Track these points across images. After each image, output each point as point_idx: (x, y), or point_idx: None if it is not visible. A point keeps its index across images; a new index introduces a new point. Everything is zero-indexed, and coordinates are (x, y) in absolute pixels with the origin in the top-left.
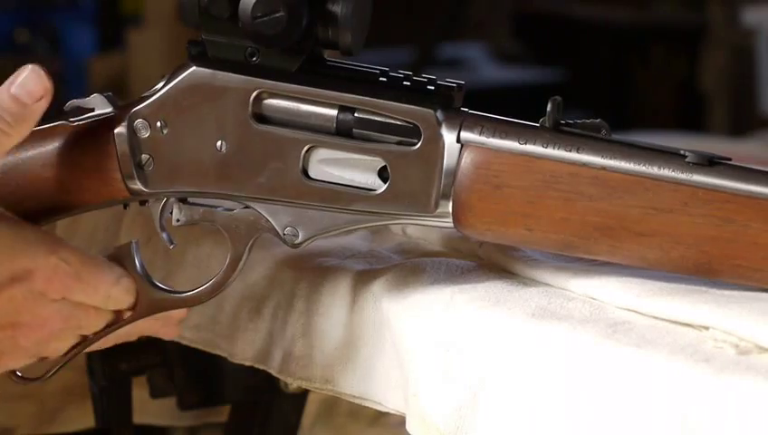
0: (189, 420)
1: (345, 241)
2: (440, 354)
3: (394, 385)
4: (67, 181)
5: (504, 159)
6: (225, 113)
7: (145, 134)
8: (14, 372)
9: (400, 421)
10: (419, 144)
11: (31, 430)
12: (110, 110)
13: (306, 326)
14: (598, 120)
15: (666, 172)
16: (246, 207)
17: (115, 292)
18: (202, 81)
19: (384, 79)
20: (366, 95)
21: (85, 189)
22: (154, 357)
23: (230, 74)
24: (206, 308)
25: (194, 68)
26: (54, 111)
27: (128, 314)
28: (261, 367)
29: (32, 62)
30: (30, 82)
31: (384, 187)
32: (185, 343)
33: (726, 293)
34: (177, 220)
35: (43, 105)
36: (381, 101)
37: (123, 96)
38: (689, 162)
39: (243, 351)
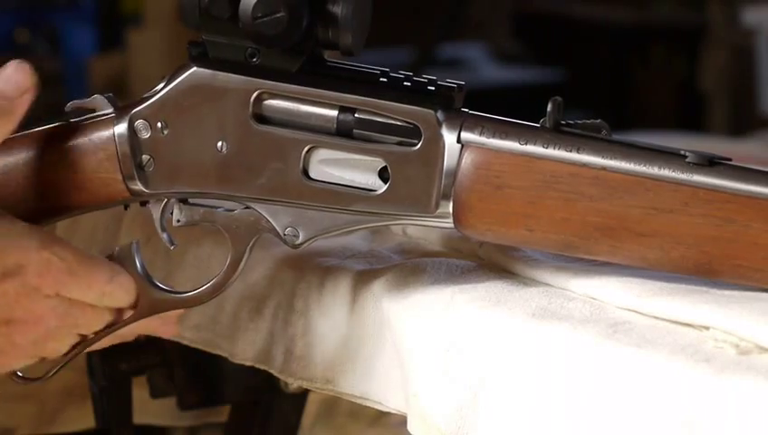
0: (189, 420)
1: (345, 241)
2: (441, 354)
3: (394, 385)
4: (68, 182)
5: (504, 159)
6: (225, 114)
7: (145, 135)
8: (14, 372)
9: (401, 421)
10: (420, 145)
11: (31, 431)
12: (110, 110)
13: (306, 326)
14: (598, 121)
15: (666, 172)
16: (247, 207)
17: (110, 289)
18: (202, 81)
19: (384, 79)
20: (366, 96)
21: (86, 190)
22: (154, 357)
23: (230, 75)
24: (207, 308)
25: (194, 69)
26: (55, 112)
27: (128, 314)
28: (261, 367)
29: (32, 62)
30: (15, 76)
31: (384, 187)
32: (185, 342)
33: (727, 293)
34: (178, 221)
35: (27, 99)
36: (382, 101)
37: (123, 96)
38: (690, 162)
39: (243, 351)
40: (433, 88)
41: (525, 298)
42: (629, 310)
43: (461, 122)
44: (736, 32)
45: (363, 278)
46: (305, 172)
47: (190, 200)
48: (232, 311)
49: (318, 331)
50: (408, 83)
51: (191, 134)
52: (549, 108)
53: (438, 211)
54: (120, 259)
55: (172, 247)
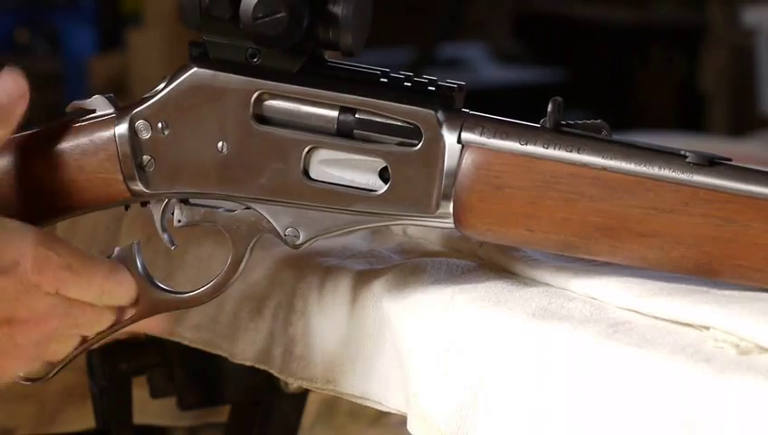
0: (189, 420)
1: (346, 241)
2: (441, 354)
3: (394, 385)
4: (68, 182)
5: (504, 159)
6: (226, 114)
7: (146, 135)
8: None
9: (401, 421)
10: (420, 145)
11: (31, 431)
12: (111, 111)
13: (307, 326)
14: (598, 121)
15: (666, 173)
16: (247, 207)
17: (109, 285)
18: (203, 82)
19: (385, 80)
20: (367, 96)
21: (86, 190)
22: (154, 357)
23: (231, 75)
24: (207, 308)
25: (195, 69)
26: (55, 112)
27: (129, 314)
28: (261, 367)
29: (32, 62)
30: (6, 84)
31: (385, 187)
32: (185, 343)
33: (727, 293)
34: (179, 221)
35: (22, 105)
36: (382, 101)
37: (123, 96)
38: (690, 162)
39: (243, 351)
40: (433, 88)
41: (525, 298)
42: (630, 310)
43: (461, 123)
44: (736, 32)
45: (363, 278)
46: (306, 173)
47: (191, 201)
48: (232, 311)
49: (318, 331)
50: (409, 84)
51: (192, 134)
52: (549, 108)
53: (439, 211)
54: (120, 259)
55: (173, 248)
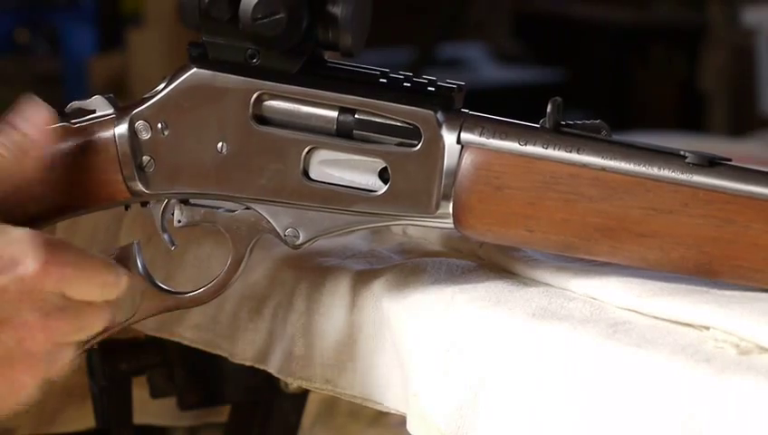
0: (189, 420)
1: (345, 241)
2: (441, 354)
3: (394, 385)
4: (68, 183)
5: (504, 160)
6: (225, 115)
7: (146, 136)
8: None
9: (401, 421)
10: (420, 145)
11: (31, 431)
12: (110, 111)
13: (306, 326)
14: (598, 121)
15: (666, 173)
16: (247, 208)
17: (112, 280)
18: (203, 82)
19: (384, 80)
20: (366, 96)
21: (86, 191)
22: (154, 357)
23: (231, 76)
24: (207, 308)
25: (194, 70)
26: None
27: (130, 314)
28: (261, 367)
29: (32, 62)
30: (31, 114)
31: (385, 188)
32: (185, 343)
33: (727, 293)
34: (179, 221)
35: (46, 132)
36: (382, 102)
37: (123, 96)
38: (689, 163)
39: (243, 351)
40: (433, 88)
41: (525, 298)
42: (630, 310)
43: (461, 123)
44: (736, 32)
45: (363, 278)
46: (305, 173)
47: (191, 201)
48: (232, 311)
49: (318, 331)
50: (408, 84)
51: (191, 135)
52: (549, 108)
53: (439, 212)
54: (121, 260)
55: (173, 248)
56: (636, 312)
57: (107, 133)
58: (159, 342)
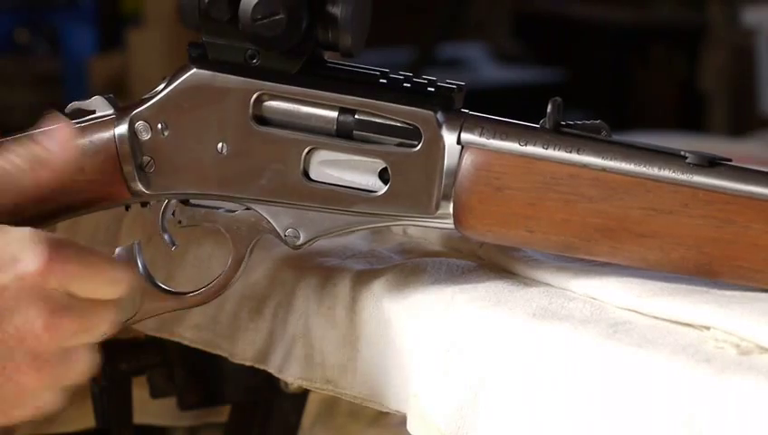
0: (189, 420)
1: (346, 241)
2: (441, 354)
3: (395, 385)
4: (68, 183)
5: (504, 160)
6: (225, 115)
7: (146, 136)
8: None
9: (401, 421)
10: (420, 146)
11: (31, 430)
12: (110, 112)
13: (307, 326)
14: (598, 121)
15: (666, 173)
16: (248, 208)
17: (117, 274)
18: (202, 83)
19: (384, 80)
20: (366, 97)
21: (87, 191)
22: (154, 357)
23: (230, 76)
24: (207, 308)
25: (194, 70)
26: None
27: (130, 314)
28: (261, 367)
29: (32, 62)
30: (57, 133)
31: (385, 188)
32: (185, 343)
33: (727, 293)
34: (179, 222)
35: (68, 153)
36: (382, 102)
37: (123, 96)
38: (690, 163)
39: (243, 351)
40: (433, 89)
41: (526, 298)
42: (630, 310)
43: (461, 123)
44: (736, 32)
45: (363, 278)
46: (306, 173)
47: (191, 201)
48: (232, 311)
49: (318, 331)
50: (408, 84)
51: (191, 136)
52: (549, 108)
53: (439, 212)
54: (121, 260)
55: (173, 248)
56: (636, 312)
57: (107, 134)
58: (159, 342)
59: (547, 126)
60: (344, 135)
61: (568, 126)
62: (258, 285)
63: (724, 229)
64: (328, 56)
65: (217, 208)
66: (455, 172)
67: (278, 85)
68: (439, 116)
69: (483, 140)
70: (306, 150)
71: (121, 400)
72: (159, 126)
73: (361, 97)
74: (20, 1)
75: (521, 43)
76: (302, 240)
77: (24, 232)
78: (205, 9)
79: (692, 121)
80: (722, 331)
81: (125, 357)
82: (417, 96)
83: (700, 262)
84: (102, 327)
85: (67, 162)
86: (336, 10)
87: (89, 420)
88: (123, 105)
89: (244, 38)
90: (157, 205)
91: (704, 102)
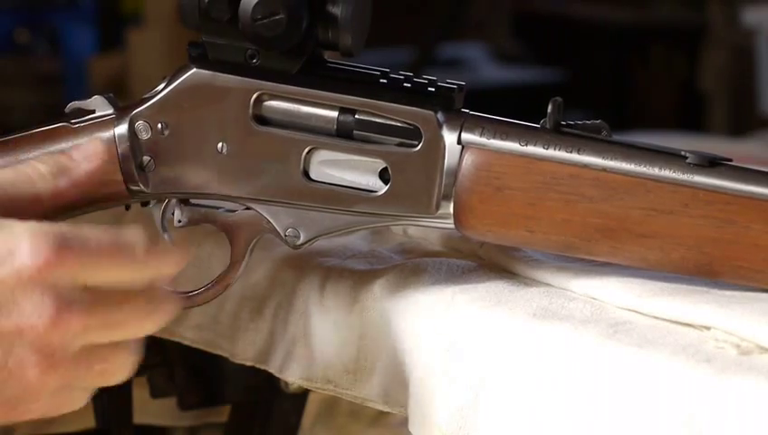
0: (189, 420)
1: (346, 241)
2: (441, 354)
3: (395, 385)
4: (68, 183)
5: (504, 160)
6: (225, 115)
7: (146, 136)
8: None
9: (401, 421)
10: (420, 146)
11: (31, 430)
12: (110, 111)
13: (307, 326)
14: (598, 121)
15: (666, 173)
16: (248, 208)
17: (152, 255)
18: (202, 82)
19: (384, 80)
20: (366, 97)
21: (86, 191)
22: (154, 357)
23: (230, 76)
24: (208, 308)
25: (194, 70)
26: (55, 113)
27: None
28: (262, 367)
29: (32, 62)
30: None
31: (385, 188)
32: (186, 343)
33: (728, 293)
34: (179, 221)
35: (91, 166)
36: (382, 102)
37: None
38: (690, 163)
39: (244, 351)
40: (433, 89)
41: (526, 298)
42: (630, 310)
43: (461, 123)
44: (736, 32)
45: (364, 278)
46: (306, 173)
47: (191, 201)
48: (233, 311)
49: (318, 331)
50: (408, 84)
51: (191, 135)
52: (549, 109)
53: (439, 212)
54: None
55: None
56: (636, 312)
57: (107, 133)
58: (159, 342)
59: (547, 126)
60: (344, 135)
61: (568, 126)
62: (258, 285)
63: (725, 229)
64: (328, 56)
65: (217, 208)
66: (455, 172)
67: (278, 85)
68: (440, 116)
69: (483, 139)
70: (306, 150)
71: (121, 400)
72: (159, 126)
73: (362, 97)
74: (20, 1)
75: (521, 43)
76: (302, 240)
77: (25, 226)
78: (205, 9)
79: (692, 121)
80: (722, 331)
81: None
82: (417, 96)
83: (700, 262)
84: (130, 320)
85: (91, 174)
86: (336, 10)
87: (89, 420)
88: (123, 105)
89: (244, 38)
90: (157, 204)
91: (704, 102)
